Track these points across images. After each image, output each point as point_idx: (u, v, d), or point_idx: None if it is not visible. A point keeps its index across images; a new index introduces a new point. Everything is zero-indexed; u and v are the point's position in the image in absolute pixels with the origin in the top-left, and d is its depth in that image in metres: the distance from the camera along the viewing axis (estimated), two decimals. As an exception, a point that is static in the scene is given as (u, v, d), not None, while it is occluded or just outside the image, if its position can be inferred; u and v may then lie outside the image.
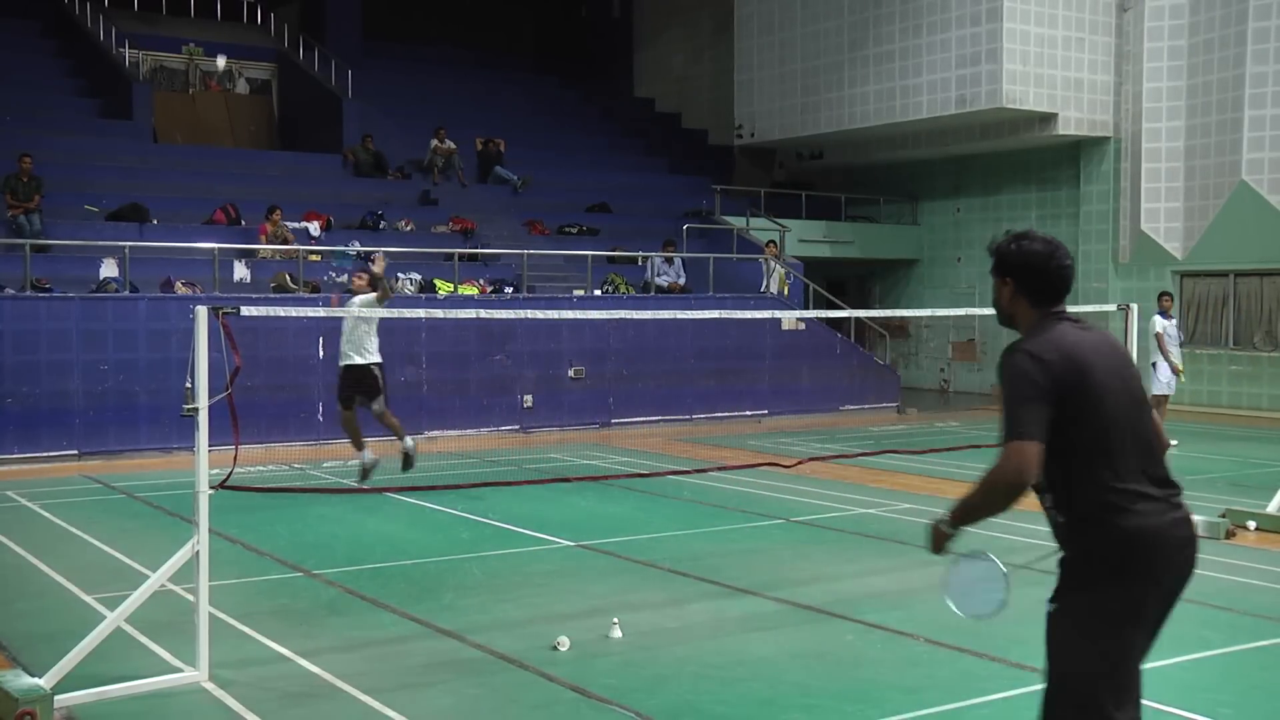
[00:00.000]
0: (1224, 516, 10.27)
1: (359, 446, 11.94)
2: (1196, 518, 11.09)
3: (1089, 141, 22.97)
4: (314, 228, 19.60)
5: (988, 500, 3.62)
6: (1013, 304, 3.82)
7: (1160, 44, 21.90)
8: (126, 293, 16.13)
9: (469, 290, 18.58)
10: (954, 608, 4.06)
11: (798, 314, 14.54)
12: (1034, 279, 3.77)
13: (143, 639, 6.94)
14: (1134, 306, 10.08)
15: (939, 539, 3.81)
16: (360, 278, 12.40)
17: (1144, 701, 5.84)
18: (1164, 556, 3.60)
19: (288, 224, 18.88)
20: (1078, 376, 3.58)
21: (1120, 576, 3.57)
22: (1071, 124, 22.26)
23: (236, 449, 6.40)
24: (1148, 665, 6.45)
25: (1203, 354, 21.99)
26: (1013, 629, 7.26)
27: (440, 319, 17.14)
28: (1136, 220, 22.41)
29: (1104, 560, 3.58)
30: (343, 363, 11.85)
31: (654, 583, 8.57)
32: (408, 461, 12.04)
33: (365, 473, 11.89)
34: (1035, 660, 6.48)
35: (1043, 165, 24.23)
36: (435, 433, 17.31)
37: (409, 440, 12.12)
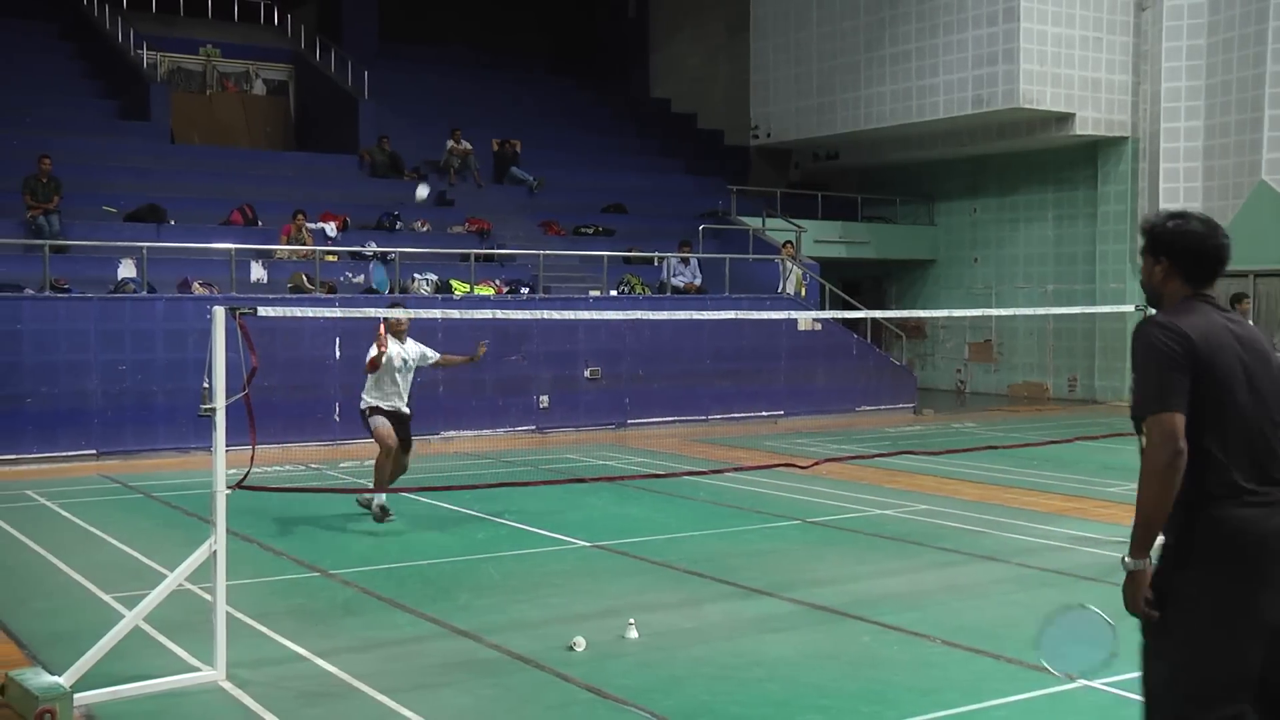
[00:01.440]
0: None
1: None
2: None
3: (1106, 141, 22.87)
4: (330, 228, 19.66)
5: (1155, 491, 3.50)
6: (1165, 284, 3.80)
7: (1179, 43, 21.79)
8: (144, 293, 16.21)
9: (485, 291, 18.61)
10: (1048, 664, 3.90)
11: (814, 314, 14.54)
12: (1191, 258, 3.74)
13: (160, 638, 6.97)
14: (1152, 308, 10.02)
15: (1137, 584, 3.57)
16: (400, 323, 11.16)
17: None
18: (1270, 555, 3.50)
19: (308, 226, 18.96)
20: (1211, 358, 3.55)
21: (1223, 570, 3.50)
22: (1089, 124, 22.18)
23: (253, 449, 6.42)
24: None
25: (1221, 355, 21.86)
26: (1029, 631, 7.24)
27: (456, 319, 17.15)
28: (1154, 220, 22.28)
29: (1209, 550, 3.51)
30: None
31: (670, 583, 8.57)
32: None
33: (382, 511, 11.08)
34: (1052, 662, 6.47)
35: (1060, 165, 24.13)
36: (451, 433, 17.35)
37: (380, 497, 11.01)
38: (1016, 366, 25.23)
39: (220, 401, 6.16)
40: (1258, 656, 3.52)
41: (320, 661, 6.63)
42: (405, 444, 11.09)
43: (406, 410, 11.10)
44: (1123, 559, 3.59)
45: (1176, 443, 3.46)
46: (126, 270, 16.83)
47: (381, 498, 10.92)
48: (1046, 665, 3.88)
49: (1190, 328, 3.57)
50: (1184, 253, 3.74)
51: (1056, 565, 8.91)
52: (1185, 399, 3.50)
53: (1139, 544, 3.55)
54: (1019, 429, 18.14)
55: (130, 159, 21.17)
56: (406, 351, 11.06)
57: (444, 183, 23.00)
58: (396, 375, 10.94)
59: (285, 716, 5.78)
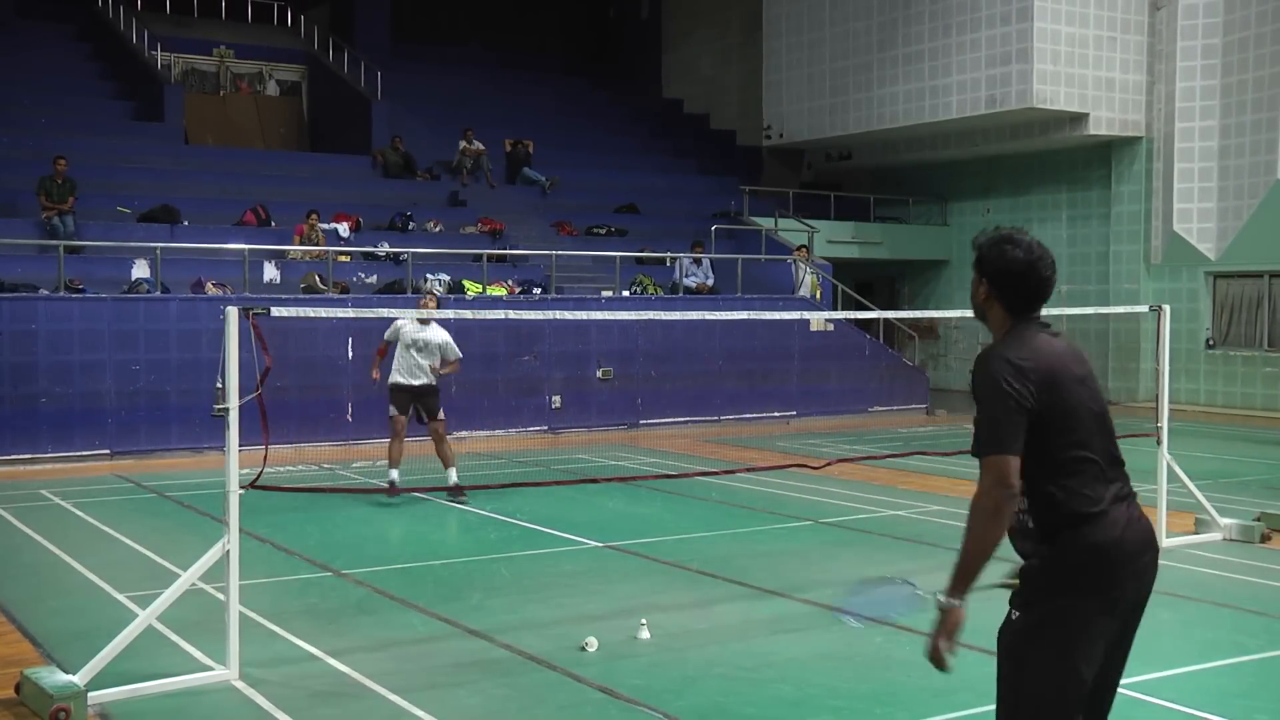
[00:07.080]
0: (1258, 520, 10.17)
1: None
2: (1229, 521, 10.90)
3: (1120, 141, 22.79)
4: (343, 229, 19.70)
5: (984, 530, 3.46)
6: (987, 304, 3.75)
7: (1194, 43, 21.71)
8: (158, 293, 16.26)
9: (497, 291, 18.62)
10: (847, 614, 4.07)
11: (826, 315, 14.49)
12: (1010, 287, 3.68)
13: (174, 637, 6.99)
14: (1166, 308, 9.99)
15: (952, 623, 3.51)
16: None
17: (1181, 708, 5.82)
18: (1129, 564, 3.57)
19: (320, 226, 19.00)
20: (1053, 384, 3.53)
21: (1088, 584, 3.53)
22: (1103, 124, 22.10)
23: (266, 449, 6.43)
24: (1181, 670, 6.42)
25: (1236, 356, 21.77)
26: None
27: (469, 320, 17.16)
28: (1169, 221, 22.22)
29: (1077, 568, 3.53)
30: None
31: (682, 584, 8.57)
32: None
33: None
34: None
35: (1073, 165, 24.05)
36: (464, 433, 17.33)
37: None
38: (1030, 367, 25.10)
39: (233, 401, 6.18)
40: (1099, 663, 3.60)
41: (333, 661, 6.64)
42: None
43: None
44: (937, 595, 3.54)
45: (1009, 486, 3.43)
46: (140, 271, 16.88)
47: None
48: (849, 610, 4.06)
49: (1031, 360, 3.54)
50: (1004, 280, 3.67)
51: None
52: (1021, 440, 3.46)
53: (959, 581, 3.51)
54: (1032, 430, 18.04)
55: (144, 160, 21.25)
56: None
57: (457, 183, 23.04)
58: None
59: (298, 716, 5.79)
